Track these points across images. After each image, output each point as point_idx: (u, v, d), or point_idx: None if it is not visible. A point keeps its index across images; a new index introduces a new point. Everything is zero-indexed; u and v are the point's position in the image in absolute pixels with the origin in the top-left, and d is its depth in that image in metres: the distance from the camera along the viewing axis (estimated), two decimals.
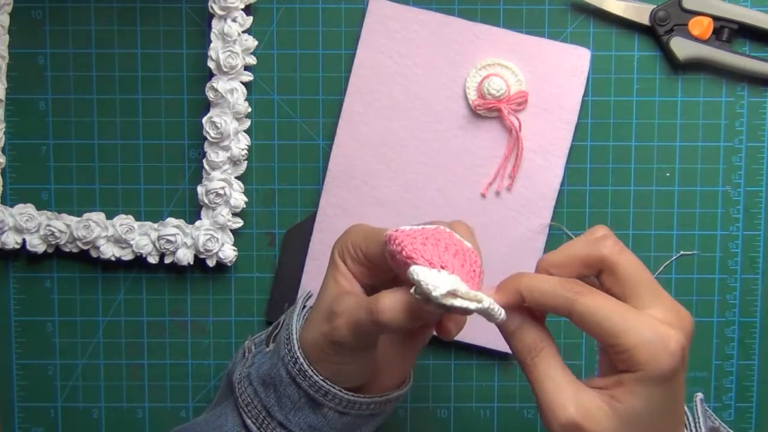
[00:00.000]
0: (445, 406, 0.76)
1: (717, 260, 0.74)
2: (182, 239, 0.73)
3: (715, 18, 0.72)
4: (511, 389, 0.75)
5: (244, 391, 0.63)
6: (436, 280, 0.51)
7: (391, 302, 0.54)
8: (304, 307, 0.64)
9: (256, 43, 0.73)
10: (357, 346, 0.57)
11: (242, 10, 0.72)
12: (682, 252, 0.74)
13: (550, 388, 0.54)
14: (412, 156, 0.73)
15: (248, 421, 0.62)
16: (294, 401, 0.60)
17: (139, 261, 0.74)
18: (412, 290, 0.52)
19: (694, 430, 0.59)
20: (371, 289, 0.59)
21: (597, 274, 0.56)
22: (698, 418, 0.59)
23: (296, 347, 0.60)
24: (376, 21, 0.73)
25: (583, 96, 0.73)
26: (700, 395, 0.60)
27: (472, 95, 0.72)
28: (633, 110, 0.74)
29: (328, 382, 0.59)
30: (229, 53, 0.71)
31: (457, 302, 0.51)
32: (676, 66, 0.73)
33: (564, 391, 0.54)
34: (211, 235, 0.73)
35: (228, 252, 0.74)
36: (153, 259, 0.74)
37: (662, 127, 0.74)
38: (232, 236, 0.74)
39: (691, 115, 0.74)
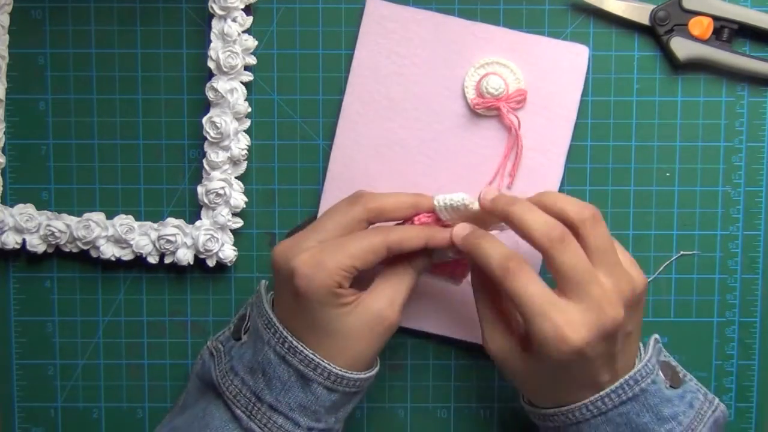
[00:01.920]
0: (445, 406, 0.76)
1: (717, 260, 0.74)
2: (182, 239, 0.73)
3: (715, 18, 0.72)
4: (511, 389, 0.75)
5: (230, 383, 0.65)
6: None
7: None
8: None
9: (256, 43, 0.73)
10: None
11: (242, 10, 0.72)
12: (682, 252, 0.74)
13: (484, 324, 0.65)
14: (411, 155, 0.73)
15: (237, 412, 0.64)
16: (284, 381, 0.63)
17: (139, 261, 0.74)
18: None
19: (642, 354, 0.65)
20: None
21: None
22: (648, 347, 0.66)
23: (281, 328, 0.63)
24: (374, 21, 0.73)
25: (583, 96, 0.73)
26: (655, 335, 0.68)
27: (471, 94, 0.72)
28: (633, 110, 0.74)
29: (318, 356, 0.62)
30: (229, 53, 0.71)
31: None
32: (676, 66, 0.73)
33: (493, 330, 0.65)
34: (211, 235, 0.73)
35: (228, 252, 0.74)
36: (153, 259, 0.74)
37: (662, 127, 0.74)
38: (232, 236, 0.74)
39: (691, 115, 0.74)
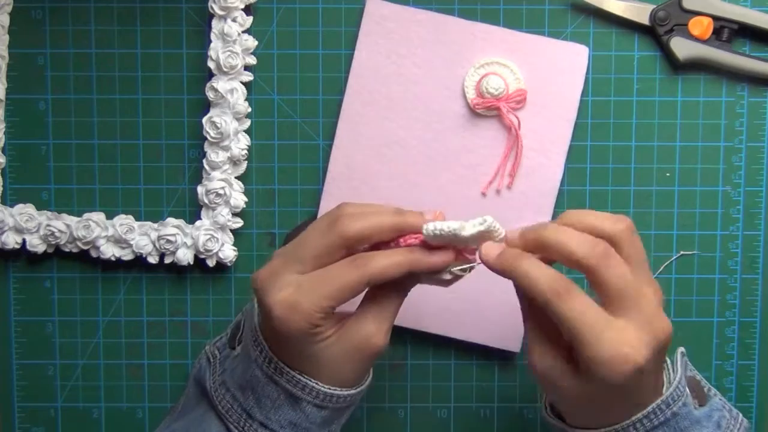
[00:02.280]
0: (445, 406, 0.76)
1: (717, 260, 0.74)
2: (182, 239, 0.73)
3: (715, 18, 0.72)
4: (511, 389, 0.75)
5: (222, 398, 0.64)
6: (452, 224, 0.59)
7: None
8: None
9: (256, 43, 0.73)
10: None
11: (242, 10, 0.72)
12: (682, 252, 0.74)
13: (531, 339, 0.60)
14: (411, 155, 0.73)
15: (231, 426, 0.63)
16: (273, 399, 0.62)
17: (139, 261, 0.74)
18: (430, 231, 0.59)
19: (671, 372, 0.62)
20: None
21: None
22: (676, 363, 0.63)
23: (267, 348, 0.62)
24: (374, 21, 0.73)
25: (583, 96, 0.73)
26: (681, 349, 0.65)
27: (471, 94, 0.72)
28: (633, 110, 0.74)
29: (305, 376, 0.61)
30: (229, 53, 0.71)
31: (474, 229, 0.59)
32: (676, 66, 0.73)
33: (541, 346, 0.60)
34: (211, 235, 0.73)
35: (228, 252, 0.74)
36: (153, 259, 0.74)
37: (662, 127, 0.74)
38: (232, 236, 0.74)
39: (691, 115, 0.74)
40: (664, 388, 0.62)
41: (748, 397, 0.75)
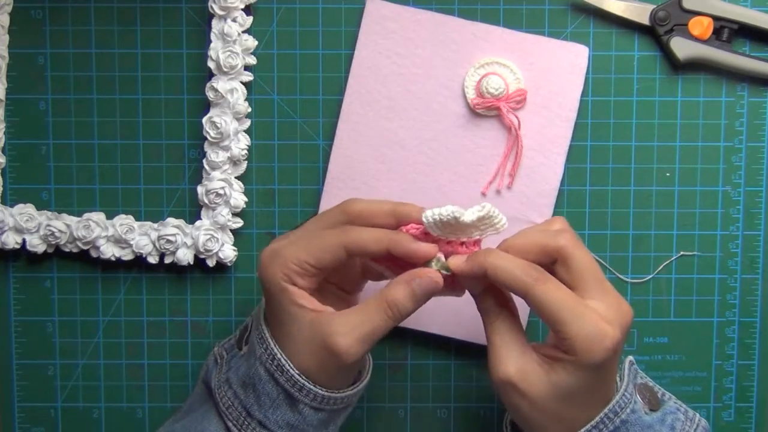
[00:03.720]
0: (445, 406, 0.76)
1: (717, 260, 0.74)
2: (182, 239, 0.73)
3: (715, 18, 0.72)
4: None
5: (224, 395, 0.65)
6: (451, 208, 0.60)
7: (403, 294, 0.61)
8: None
9: (256, 43, 0.73)
10: (368, 351, 0.62)
11: (242, 10, 0.72)
12: (682, 252, 0.74)
13: (499, 346, 0.61)
14: (411, 155, 0.73)
15: (229, 424, 0.64)
16: (272, 398, 0.63)
17: (139, 261, 0.74)
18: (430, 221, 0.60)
19: (618, 381, 0.63)
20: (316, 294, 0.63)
21: (551, 263, 0.61)
22: (623, 372, 0.64)
23: (272, 345, 0.62)
24: (374, 21, 0.73)
25: (583, 96, 0.73)
26: (630, 358, 0.66)
27: (471, 94, 0.72)
28: (633, 110, 0.74)
29: (303, 377, 0.62)
30: (229, 53, 0.71)
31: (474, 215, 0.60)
32: (676, 66, 0.73)
33: (510, 351, 0.61)
34: (211, 235, 0.73)
35: (228, 252, 0.74)
36: (153, 259, 0.74)
37: (662, 127, 0.74)
38: (232, 236, 0.74)
39: (691, 115, 0.74)
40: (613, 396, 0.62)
41: (748, 397, 0.75)
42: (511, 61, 0.72)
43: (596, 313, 0.59)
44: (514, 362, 0.61)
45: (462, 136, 0.73)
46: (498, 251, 0.61)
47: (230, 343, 0.69)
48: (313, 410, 0.63)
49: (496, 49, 0.72)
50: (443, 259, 0.62)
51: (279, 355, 0.62)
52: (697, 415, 0.65)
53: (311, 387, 0.62)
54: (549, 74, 0.72)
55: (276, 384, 0.62)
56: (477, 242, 0.63)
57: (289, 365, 0.62)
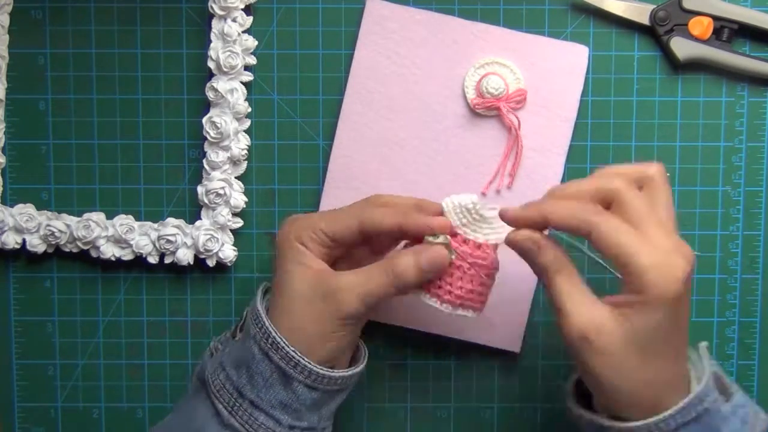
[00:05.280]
0: (445, 406, 0.76)
1: (717, 260, 0.74)
2: (182, 239, 0.73)
3: (715, 18, 0.72)
4: (511, 389, 0.75)
5: (216, 378, 0.65)
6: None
7: (407, 262, 0.62)
8: (266, 293, 0.68)
9: (256, 43, 0.73)
10: (365, 314, 0.64)
11: (242, 10, 0.72)
12: None
13: (567, 302, 0.60)
14: (411, 156, 0.73)
15: (219, 407, 0.64)
16: (265, 378, 0.63)
17: (139, 261, 0.74)
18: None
19: (699, 365, 0.63)
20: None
21: (607, 206, 0.60)
22: (703, 358, 0.63)
23: (267, 323, 0.63)
24: (374, 21, 0.73)
25: (583, 96, 0.73)
26: (705, 343, 0.65)
27: (471, 94, 0.72)
28: (633, 110, 0.74)
29: (299, 353, 0.62)
30: (229, 53, 0.71)
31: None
32: (676, 66, 0.73)
33: (579, 305, 0.59)
34: (211, 235, 0.73)
35: (228, 252, 0.74)
36: (153, 259, 0.74)
37: (662, 127, 0.74)
38: (232, 236, 0.74)
39: (691, 115, 0.74)
40: (694, 383, 0.61)
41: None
42: (511, 61, 0.72)
43: (662, 247, 0.58)
44: (586, 317, 0.59)
45: (462, 136, 0.73)
46: (553, 200, 0.62)
47: (225, 336, 0.69)
48: (306, 388, 0.63)
49: (496, 49, 0.72)
50: (454, 244, 0.63)
51: (274, 333, 0.62)
52: (761, 411, 0.64)
53: (306, 363, 0.62)
54: (549, 74, 0.72)
55: (270, 362, 0.63)
56: (493, 248, 0.64)
57: (284, 342, 0.62)
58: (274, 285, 0.65)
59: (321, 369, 0.63)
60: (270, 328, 0.63)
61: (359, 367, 0.66)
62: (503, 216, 0.62)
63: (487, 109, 0.72)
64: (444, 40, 0.73)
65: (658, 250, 0.57)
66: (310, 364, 0.62)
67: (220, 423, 0.64)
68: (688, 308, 0.60)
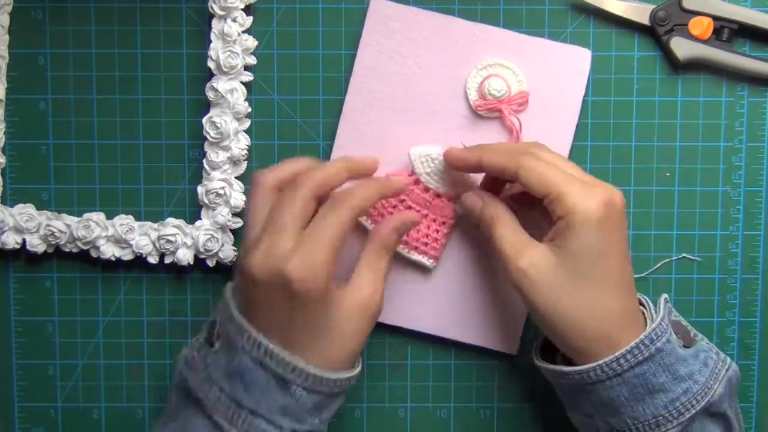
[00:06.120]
0: (445, 406, 0.76)
1: (717, 260, 0.74)
2: (182, 239, 0.73)
3: (715, 18, 0.72)
4: (511, 389, 0.75)
5: (208, 392, 0.64)
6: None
7: (385, 229, 0.68)
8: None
9: (256, 43, 0.73)
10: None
11: (242, 10, 0.72)
12: (684, 255, 0.74)
13: (507, 246, 0.65)
14: None
15: (220, 420, 0.63)
16: (262, 385, 0.62)
17: (139, 261, 0.74)
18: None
19: (653, 313, 0.66)
20: None
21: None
22: (659, 306, 0.66)
23: (254, 333, 0.62)
24: (377, 21, 0.73)
25: (583, 96, 0.73)
26: (665, 295, 0.67)
27: (473, 96, 0.72)
28: (633, 110, 0.74)
29: (295, 358, 0.62)
30: (229, 53, 0.71)
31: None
32: (676, 66, 0.73)
33: (518, 246, 0.65)
34: (211, 235, 0.73)
35: (228, 252, 0.74)
36: (153, 259, 0.74)
37: (662, 127, 0.74)
38: (232, 236, 0.74)
39: (691, 115, 0.74)
40: (648, 325, 0.64)
41: (748, 396, 0.75)
42: (514, 63, 0.72)
43: (581, 181, 0.63)
44: (525, 255, 0.64)
45: (463, 137, 0.73)
46: (482, 147, 0.68)
47: (199, 342, 0.67)
48: (306, 392, 0.62)
49: (498, 51, 0.72)
50: (416, 192, 0.71)
51: (265, 342, 0.62)
52: (729, 358, 0.67)
53: (303, 367, 0.62)
54: (551, 77, 0.72)
55: (265, 370, 0.62)
56: (452, 199, 0.71)
57: (277, 349, 0.62)
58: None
59: (320, 372, 0.62)
60: (258, 338, 0.62)
61: (358, 369, 0.66)
62: (446, 156, 0.69)
63: (488, 111, 0.72)
64: (447, 41, 0.72)
65: (579, 180, 0.63)
66: (308, 367, 0.62)
67: None
68: (625, 242, 0.64)
